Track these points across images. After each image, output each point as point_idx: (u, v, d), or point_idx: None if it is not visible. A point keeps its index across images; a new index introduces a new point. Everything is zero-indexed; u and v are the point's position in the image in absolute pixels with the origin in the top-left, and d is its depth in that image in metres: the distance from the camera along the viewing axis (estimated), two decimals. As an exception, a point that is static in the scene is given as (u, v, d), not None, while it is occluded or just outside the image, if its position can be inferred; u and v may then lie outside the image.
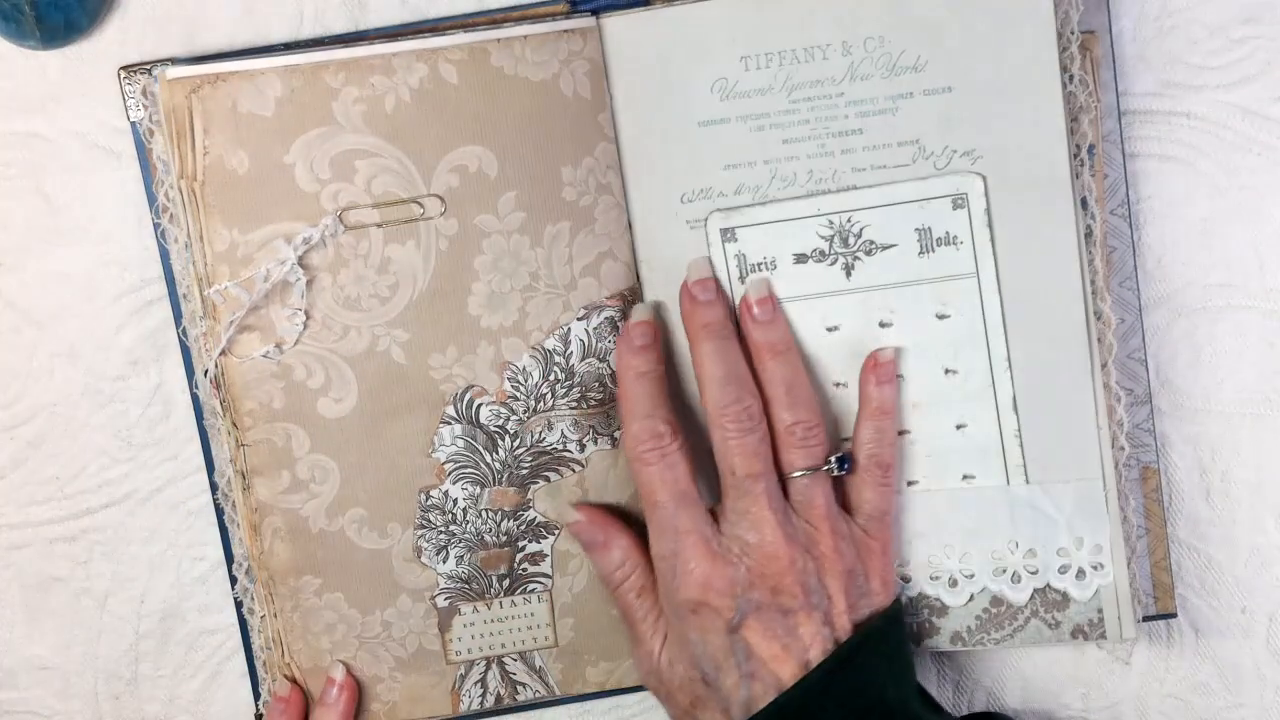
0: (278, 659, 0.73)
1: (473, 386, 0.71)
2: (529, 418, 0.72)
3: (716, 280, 0.71)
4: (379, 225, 0.69)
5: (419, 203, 0.69)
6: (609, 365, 0.72)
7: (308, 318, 0.70)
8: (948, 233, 0.70)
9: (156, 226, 0.71)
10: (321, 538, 0.72)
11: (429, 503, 0.72)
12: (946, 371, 0.71)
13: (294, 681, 0.73)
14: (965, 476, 0.72)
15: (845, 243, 0.71)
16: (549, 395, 0.72)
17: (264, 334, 0.70)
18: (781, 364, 0.69)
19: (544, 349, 0.71)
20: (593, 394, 0.72)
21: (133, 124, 0.71)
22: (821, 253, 0.71)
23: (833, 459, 0.69)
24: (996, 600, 0.73)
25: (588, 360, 0.72)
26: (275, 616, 0.72)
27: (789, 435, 0.69)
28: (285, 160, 0.68)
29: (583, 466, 0.72)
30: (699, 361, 0.69)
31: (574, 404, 0.72)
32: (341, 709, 0.72)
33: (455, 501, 0.72)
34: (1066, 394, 0.71)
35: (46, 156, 0.73)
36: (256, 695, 0.75)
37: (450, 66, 0.69)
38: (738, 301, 0.71)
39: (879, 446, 0.71)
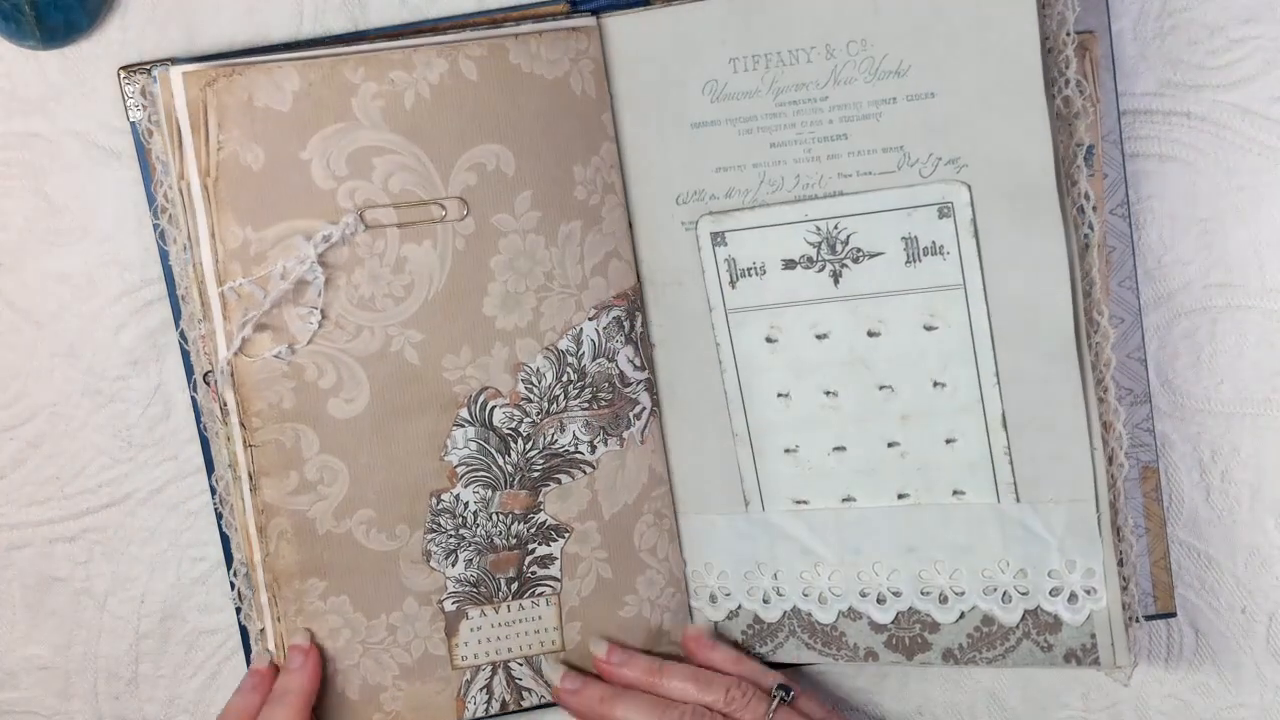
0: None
1: (487, 389, 0.70)
2: (542, 420, 0.71)
3: (571, 673, 0.74)
4: (398, 226, 0.69)
5: (441, 204, 0.68)
6: (617, 365, 0.72)
7: (323, 317, 0.69)
8: (934, 242, 0.69)
9: (156, 227, 0.71)
10: (328, 539, 0.71)
11: (440, 506, 0.71)
12: (935, 384, 0.71)
13: (273, 664, 0.72)
14: (956, 492, 0.72)
15: (833, 249, 0.70)
16: (561, 396, 0.71)
17: (276, 333, 0.69)
18: (668, 677, 0.73)
19: (557, 349, 0.71)
20: (603, 394, 0.72)
21: (132, 124, 0.71)
22: (810, 259, 0.71)
23: (774, 691, 0.72)
24: (988, 619, 0.72)
25: (598, 360, 0.71)
26: (279, 621, 0.72)
27: (730, 706, 0.72)
28: (302, 156, 0.67)
29: (593, 468, 0.72)
30: None
31: (585, 405, 0.71)
32: (309, 674, 0.71)
33: (466, 505, 0.71)
34: (1057, 412, 0.69)
35: (46, 156, 0.73)
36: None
37: (470, 63, 0.68)
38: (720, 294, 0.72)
39: (763, 675, 0.74)
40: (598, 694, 0.73)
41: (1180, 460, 0.75)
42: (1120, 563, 0.71)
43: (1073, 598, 0.71)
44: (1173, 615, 0.75)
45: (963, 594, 0.72)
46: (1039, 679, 0.77)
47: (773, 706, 0.71)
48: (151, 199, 0.71)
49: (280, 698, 0.70)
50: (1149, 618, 0.75)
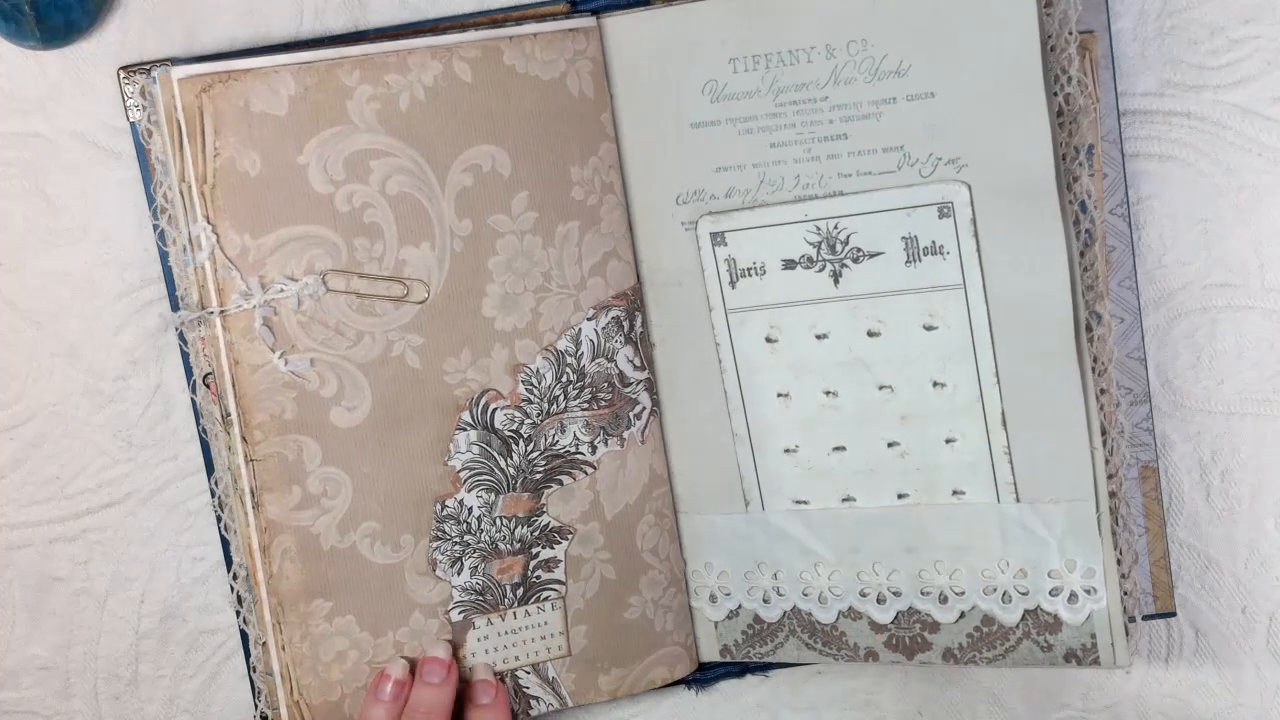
0: (285, 697, 0.70)
1: (489, 391, 0.70)
2: (542, 421, 0.71)
3: None
4: (358, 295, 0.68)
5: (403, 283, 0.68)
6: (616, 365, 0.72)
7: (321, 325, 0.68)
8: (934, 242, 0.69)
9: (156, 227, 0.71)
10: (333, 555, 0.70)
11: (444, 513, 0.71)
12: (935, 384, 0.71)
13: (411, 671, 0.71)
14: (955, 492, 0.72)
15: (833, 249, 0.70)
16: (561, 397, 0.71)
17: (277, 341, 0.68)
18: None
19: (556, 350, 0.71)
20: (602, 394, 0.72)
21: (132, 124, 0.71)
22: (810, 259, 0.71)
23: None
24: (988, 619, 0.72)
25: (597, 360, 0.71)
26: (284, 649, 0.70)
27: None
28: (299, 161, 0.67)
29: (594, 469, 0.72)
30: None
31: (585, 405, 0.71)
32: (450, 689, 0.71)
33: (470, 510, 0.71)
34: (1057, 411, 0.69)
35: (46, 156, 0.73)
36: (256, 698, 0.75)
37: (464, 65, 0.68)
38: None
39: None
40: None
41: (1180, 460, 0.75)
42: (1119, 560, 0.71)
43: (1073, 597, 0.71)
44: (1173, 615, 0.75)
45: (963, 594, 0.72)
46: (1039, 679, 0.77)
47: None
48: (151, 199, 0.71)
49: (425, 714, 0.70)
50: (1149, 617, 0.75)
